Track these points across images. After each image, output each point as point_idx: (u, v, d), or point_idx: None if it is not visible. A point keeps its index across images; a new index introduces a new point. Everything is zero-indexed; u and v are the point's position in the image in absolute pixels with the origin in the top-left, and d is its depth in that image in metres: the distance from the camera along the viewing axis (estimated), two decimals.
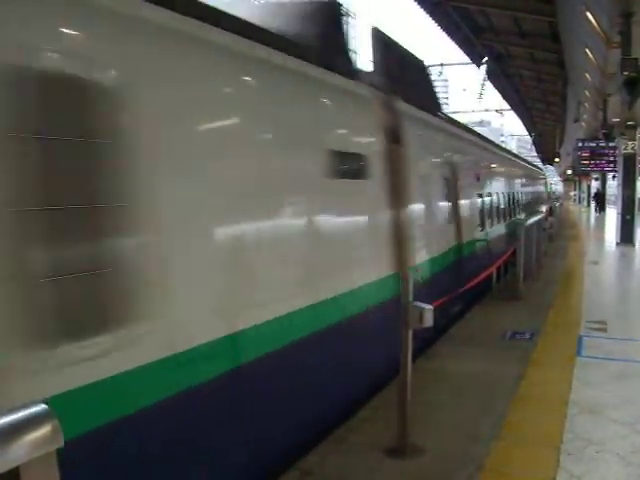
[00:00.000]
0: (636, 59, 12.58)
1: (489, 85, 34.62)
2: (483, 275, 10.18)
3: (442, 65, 36.34)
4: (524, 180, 23.46)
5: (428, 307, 4.35)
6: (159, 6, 3.52)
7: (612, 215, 26.18)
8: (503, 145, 28.12)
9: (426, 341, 7.20)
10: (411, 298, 4.37)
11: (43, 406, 1.66)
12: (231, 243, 3.95)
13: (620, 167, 20.88)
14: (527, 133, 63.99)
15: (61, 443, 1.65)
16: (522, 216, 18.04)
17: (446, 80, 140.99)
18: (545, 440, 4.56)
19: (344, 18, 6.64)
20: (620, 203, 20.24)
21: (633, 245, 19.30)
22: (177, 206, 3.44)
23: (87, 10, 3.00)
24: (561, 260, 15.94)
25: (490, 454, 4.35)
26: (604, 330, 8.05)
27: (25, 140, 2.59)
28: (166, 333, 3.27)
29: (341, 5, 6.54)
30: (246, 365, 3.92)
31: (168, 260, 3.35)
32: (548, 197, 36.93)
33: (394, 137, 6.83)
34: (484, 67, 27.10)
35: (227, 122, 4.13)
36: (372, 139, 6.50)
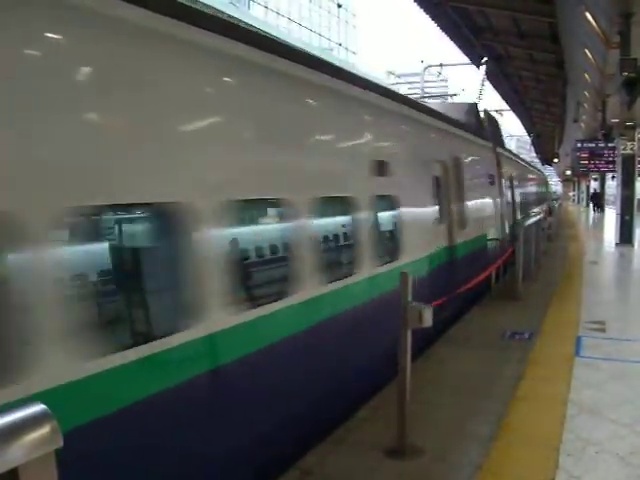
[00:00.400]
0: (635, 59, 12.59)
1: (488, 85, 34.60)
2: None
3: (441, 65, 36.36)
4: (537, 182, 33.65)
5: (427, 307, 4.35)
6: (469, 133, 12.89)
7: (611, 215, 26.23)
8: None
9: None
10: (410, 298, 4.37)
11: (42, 406, 1.65)
12: (483, 208, 12.47)
13: (619, 168, 20.87)
14: (526, 133, 64.00)
15: (60, 444, 1.64)
16: (537, 205, 29.05)
17: (445, 80, 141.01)
18: (544, 440, 4.56)
19: (478, 109, 15.16)
20: (619, 203, 20.23)
21: (632, 245, 19.30)
22: (474, 196, 11.48)
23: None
24: (560, 260, 15.95)
25: (489, 454, 4.35)
26: (603, 330, 8.06)
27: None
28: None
29: (477, 104, 15.74)
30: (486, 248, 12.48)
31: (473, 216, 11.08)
32: (550, 195, 49.55)
33: (498, 164, 15.03)
34: (483, 67, 27.08)
35: (478, 171, 12.74)
36: (493, 166, 14.48)
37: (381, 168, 6.51)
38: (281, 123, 4.96)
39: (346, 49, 76.84)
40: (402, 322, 4.37)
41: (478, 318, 9.21)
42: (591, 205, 46.44)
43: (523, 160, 28.59)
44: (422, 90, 37.54)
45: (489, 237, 12.90)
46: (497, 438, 4.63)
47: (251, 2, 57.71)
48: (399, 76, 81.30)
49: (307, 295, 4.89)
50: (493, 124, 16.42)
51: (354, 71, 10.06)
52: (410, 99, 9.93)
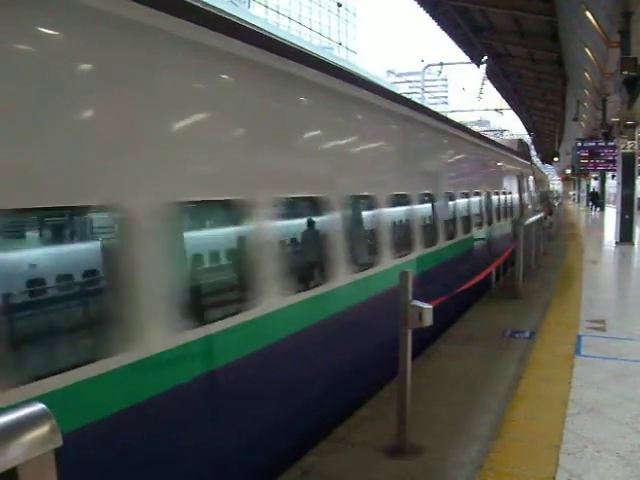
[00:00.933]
0: (635, 58, 12.54)
1: (488, 84, 34.59)
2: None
3: (441, 64, 36.39)
4: (545, 182, 46.90)
5: (427, 306, 4.35)
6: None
7: (611, 214, 26.28)
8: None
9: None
10: (410, 297, 4.36)
11: (41, 406, 1.65)
12: (530, 196, 25.25)
13: (619, 166, 20.86)
14: (526, 132, 63.92)
15: (59, 443, 1.64)
16: (545, 195, 40.72)
17: (445, 79, 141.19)
18: (545, 439, 4.56)
19: (525, 142, 29.88)
20: (619, 202, 20.23)
21: (632, 244, 19.31)
22: (527, 191, 23.70)
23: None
24: (560, 259, 15.95)
25: (489, 453, 4.35)
26: (603, 329, 8.06)
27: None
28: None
29: (522, 139, 30.10)
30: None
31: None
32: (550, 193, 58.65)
33: (533, 173, 27.89)
34: (483, 66, 27.07)
35: (527, 178, 24.18)
36: (531, 174, 26.33)
37: (518, 180, 19.06)
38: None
39: (346, 48, 76.85)
40: (402, 321, 4.37)
41: (479, 317, 9.20)
42: (590, 203, 47.57)
43: (539, 168, 44.01)
44: (422, 89, 37.54)
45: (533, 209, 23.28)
46: (497, 437, 4.63)
47: (251, 1, 57.66)
48: (399, 75, 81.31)
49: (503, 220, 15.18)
50: (527, 148, 29.21)
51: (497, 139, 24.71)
52: (516, 150, 21.71)
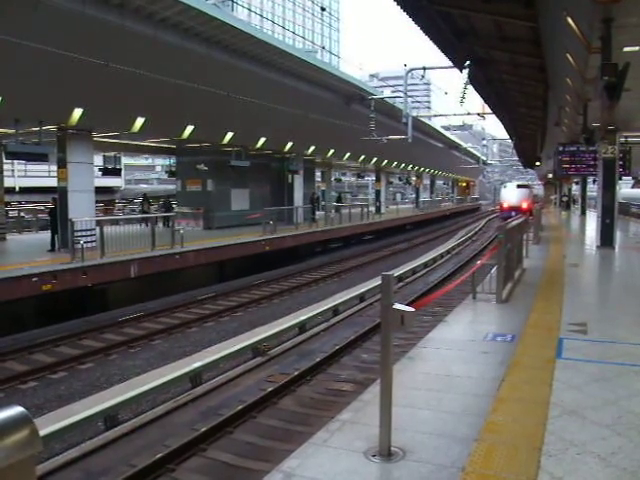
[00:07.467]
0: (616, 64, 12.68)
1: (471, 89, 34.77)
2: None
3: (424, 69, 36.58)
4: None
5: (409, 309, 4.34)
6: None
7: (592, 218, 26.60)
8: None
9: None
10: (392, 300, 4.35)
11: (20, 409, 1.62)
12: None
13: (600, 171, 21.05)
14: (508, 137, 64.43)
15: (39, 448, 1.62)
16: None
17: (428, 84, 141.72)
18: (526, 442, 4.57)
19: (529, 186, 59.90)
20: (600, 207, 20.40)
21: (613, 248, 19.49)
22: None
23: None
24: (542, 262, 16.05)
25: (471, 456, 4.35)
26: (584, 332, 8.11)
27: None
28: None
29: (528, 184, 62.07)
30: None
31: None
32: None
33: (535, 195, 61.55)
34: (466, 71, 27.20)
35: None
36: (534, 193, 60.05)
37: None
38: None
39: (329, 52, 76.95)
40: (384, 324, 4.36)
41: (460, 320, 9.23)
42: (563, 205, 56.53)
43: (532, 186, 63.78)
44: (405, 94, 37.68)
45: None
46: (480, 439, 4.64)
47: (235, 4, 57.52)
48: (382, 79, 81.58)
49: None
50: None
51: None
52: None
